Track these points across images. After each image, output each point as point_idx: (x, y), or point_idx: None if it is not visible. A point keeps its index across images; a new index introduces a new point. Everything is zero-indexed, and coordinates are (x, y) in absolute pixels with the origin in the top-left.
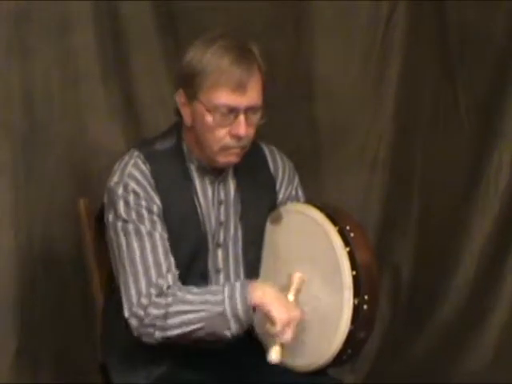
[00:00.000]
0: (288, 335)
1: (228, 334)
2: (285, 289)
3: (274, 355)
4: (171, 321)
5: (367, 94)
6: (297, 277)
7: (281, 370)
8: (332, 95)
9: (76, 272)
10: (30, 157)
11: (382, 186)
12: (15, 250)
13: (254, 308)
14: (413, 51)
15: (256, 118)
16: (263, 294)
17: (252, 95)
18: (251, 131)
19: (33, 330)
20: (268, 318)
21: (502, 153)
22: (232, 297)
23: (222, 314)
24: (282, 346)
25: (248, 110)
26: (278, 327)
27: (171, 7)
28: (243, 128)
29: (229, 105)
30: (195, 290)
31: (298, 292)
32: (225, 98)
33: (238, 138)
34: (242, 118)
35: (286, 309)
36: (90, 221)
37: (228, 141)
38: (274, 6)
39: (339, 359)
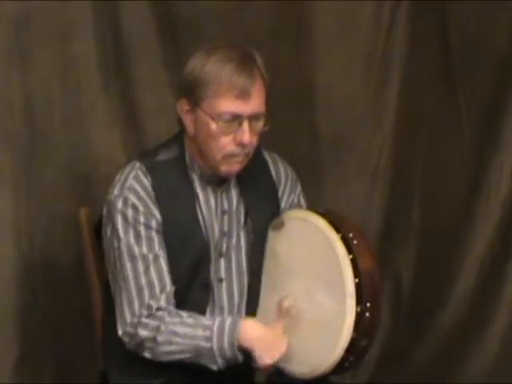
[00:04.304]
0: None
1: (214, 367)
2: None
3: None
4: (160, 348)
5: (368, 102)
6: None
7: (281, 376)
8: (333, 104)
9: (77, 281)
10: (30, 165)
11: (383, 194)
12: (16, 259)
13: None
14: (414, 60)
15: (259, 125)
16: (251, 334)
17: (255, 102)
18: (255, 138)
19: (34, 338)
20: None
21: (503, 161)
22: (220, 334)
23: (210, 350)
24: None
25: (252, 118)
26: (261, 368)
27: (172, 15)
28: (247, 135)
29: (232, 112)
30: (186, 319)
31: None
32: (228, 105)
33: (242, 145)
34: (245, 125)
35: (270, 351)
36: (90, 230)
37: (232, 148)
38: (275, 14)
39: (341, 367)
